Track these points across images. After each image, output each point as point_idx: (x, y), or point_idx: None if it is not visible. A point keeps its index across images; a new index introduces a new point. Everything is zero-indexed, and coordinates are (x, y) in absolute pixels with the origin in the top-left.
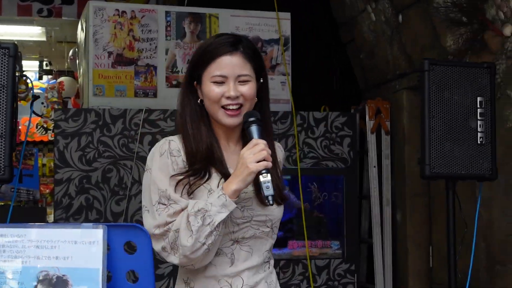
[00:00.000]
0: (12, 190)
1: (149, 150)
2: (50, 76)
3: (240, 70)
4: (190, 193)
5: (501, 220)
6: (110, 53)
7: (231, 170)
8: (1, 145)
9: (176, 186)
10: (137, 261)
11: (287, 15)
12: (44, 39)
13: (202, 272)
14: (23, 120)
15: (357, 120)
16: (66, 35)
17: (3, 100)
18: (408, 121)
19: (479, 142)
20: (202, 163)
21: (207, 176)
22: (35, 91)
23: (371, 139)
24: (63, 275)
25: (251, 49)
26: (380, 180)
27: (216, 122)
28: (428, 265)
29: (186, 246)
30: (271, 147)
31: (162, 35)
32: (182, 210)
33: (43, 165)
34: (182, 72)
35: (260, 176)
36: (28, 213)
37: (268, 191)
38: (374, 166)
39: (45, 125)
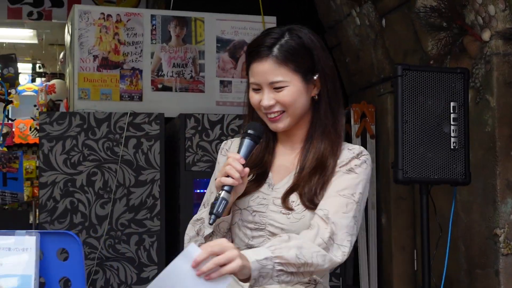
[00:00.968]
0: None
1: (134, 153)
2: (43, 79)
3: (272, 77)
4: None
5: (481, 224)
6: (95, 57)
7: (272, 174)
8: None
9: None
10: (70, 268)
11: (273, 19)
12: (35, 41)
13: None
14: (17, 122)
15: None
16: (57, 38)
17: None
18: (392, 125)
19: (452, 147)
20: (252, 164)
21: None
22: (29, 93)
23: (356, 142)
24: None
25: (289, 49)
26: None
27: None
28: (413, 268)
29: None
30: (325, 150)
31: (148, 38)
32: None
33: (37, 167)
34: (167, 76)
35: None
36: (11, 216)
37: (214, 208)
38: None
39: (38, 128)
